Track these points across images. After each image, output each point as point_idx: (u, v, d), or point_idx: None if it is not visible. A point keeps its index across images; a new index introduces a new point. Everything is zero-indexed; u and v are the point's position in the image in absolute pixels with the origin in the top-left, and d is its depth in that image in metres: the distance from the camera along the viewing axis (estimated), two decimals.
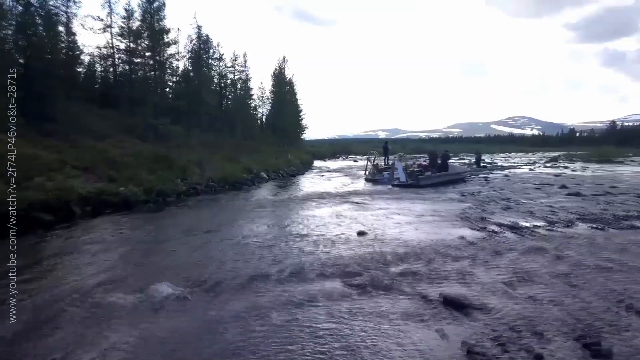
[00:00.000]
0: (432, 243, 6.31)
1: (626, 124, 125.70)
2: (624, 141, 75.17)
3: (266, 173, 18.46)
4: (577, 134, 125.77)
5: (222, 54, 27.35)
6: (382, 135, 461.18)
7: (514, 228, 7.31)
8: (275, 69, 35.84)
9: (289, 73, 37.63)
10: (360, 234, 6.99)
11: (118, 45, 18.12)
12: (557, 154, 53.60)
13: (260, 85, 37.26)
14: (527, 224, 7.59)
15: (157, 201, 10.85)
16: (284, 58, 36.72)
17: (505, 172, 20.66)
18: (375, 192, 13.38)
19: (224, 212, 9.59)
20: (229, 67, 28.92)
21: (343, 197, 12.25)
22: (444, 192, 13.35)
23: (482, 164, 23.11)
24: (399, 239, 6.59)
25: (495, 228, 7.35)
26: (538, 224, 7.63)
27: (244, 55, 31.27)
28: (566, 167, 23.25)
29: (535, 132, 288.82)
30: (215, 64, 26.30)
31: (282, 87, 35.87)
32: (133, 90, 17.44)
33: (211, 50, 25.54)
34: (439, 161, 16.11)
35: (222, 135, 23.35)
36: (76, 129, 13.15)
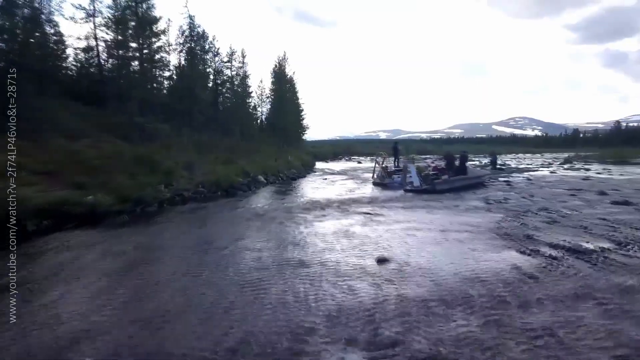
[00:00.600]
0: (478, 277, 4.70)
1: (629, 124, 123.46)
2: (627, 142, 73.25)
3: (264, 176, 16.87)
4: (581, 135, 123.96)
5: (218, 48, 25.80)
6: (383, 135, 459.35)
7: (577, 252, 5.68)
8: (275, 65, 34.11)
9: (289, 71, 36.01)
10: (380, 261, 5.37)
11: (103, 37, 16.62)
12: (566, 154, 51.94)
13: (260, 84, 35.67)
14: (591, 246, 5.96)
15: (134, 211, 9.25)
16: (284, 55, 35.13)
17: (525, 174, 19.02)
18: (386, 199, 11.77)
19: (207, 227, 7.96)
20: (226, 63, 27.29)
21: (350, 205, 10.65)
22: (465, 198, 11.74)
23: (497, 166, 21.46)
24: (433, 270, 4.98)
25: (552, 252, 5.74)
26: (604, 245, 6.00)
27: (242, 51, 29.73)
28: (587, 170, 21.60)
29: (537, 132, 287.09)
30: (210, 58, 24.70)
31: (283, 84, 34.16)
32: (117, 86, 15.83)
33: (206, 45, 23.96)
34: (457, 163, 14.48)
35: (218, 135, 21.75)
36: (47, 128, 11.55)
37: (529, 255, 5.68)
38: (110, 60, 17.03)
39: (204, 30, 25.78)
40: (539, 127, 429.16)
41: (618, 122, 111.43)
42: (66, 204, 7.98)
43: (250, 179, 15.36)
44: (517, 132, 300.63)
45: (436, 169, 14.90)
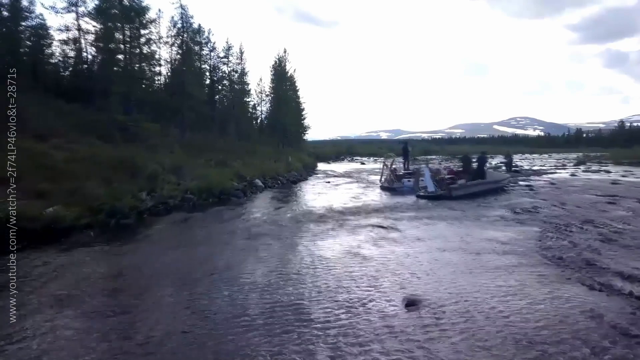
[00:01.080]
0: (546, 333, 3.39)
1: (632, 124, 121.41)
2: (632, 141, 71.40)
3: (262, 180, 15.48)
4: (584, 135, 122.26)
5: (214, 43, 24.40)
6: (384, 135, 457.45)
7: None
8: (275, 61, 32.52)
9: (290, 68, 34.42)
10: (409, 305, 4.00)
11: (87, 29, 15.21)
12: (574, 155, 50.48)
13: (260, 82, 34.05)
14: None
15: (106, 225, 7.88)
16: (284, 51, 33.54)
17: (545, 177, 17.61)
18: (399, 208, 10.39)
19: (186, 248, 6.56)
20: (222, 58, 25.79)
21: (358, 215, 9.29)
22: (488, 206, 10.38)
23: (513, 168, 19.98)
24: (480, 321, 3.63)
25: (632, 287, 4.39)
26: None
27: (240, 46, 28.26)
28: (608, 172, 20.19)
29: (538, 132, 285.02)
30: (206, 53, 23.27)
31: (283, 81, 32.64)
32: (101, 81, 14.38)
33: (201, 40, 22.56)
34: (474, 166, 13.07)
35: (212, 135, 20.38)
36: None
37: (601, 292, 4.33)
38: (94, 53, 15.66)
39: (199, 25, 24.49)
40: (541, 127, 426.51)
41: (622, 121, 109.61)
42: (18, 217, 6.60)
43: (247, 184, 13.98)
44: (519, 132, 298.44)
45: (452, 172, 13.50)
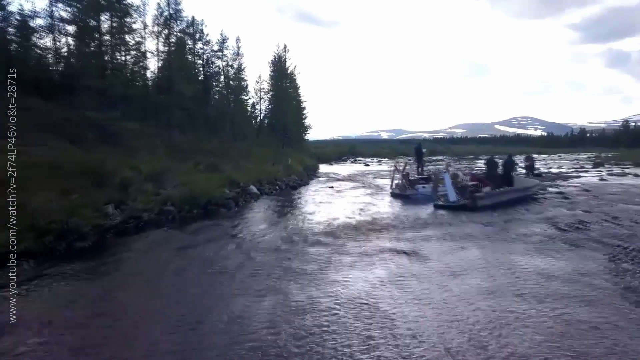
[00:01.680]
0: None
1: (634, 124, 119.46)
2: (637, 142, 69.60)
3: (258, 186, 13.83)
4: (588, 135, 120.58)
5: (207, 35, 22.73)
6: (385, 135, 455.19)
7: None
8: (275, 57, 30.68)
9: (290, 64, 32.55)
10: None
11: (61, 16, 13.56)
12: (584, 155, 48.87)
13: (259, 80, 32.08)
14: None
15: (55, 250, 6.25)
16: (284, 47, 31.76)
17: (573, 182, 15.89)
18: (416, 222, 8.75)
19: (144, 292, 4.93)
20: (216, 52, 24.06)
21: (369, 234, 7.66)
22: (522, 220, 8.77)
23: (536, 172, 18.20)
24: None
25: None
26: None
27: (237, 39, 26.42)
28: (638, 176, 18.47)
29: (540, 132, 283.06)
30: (199, 47, 21.59)
31: (282, 78, 30.84)
32: (76, 73, 12.69)
33: (195, 33, 20.89)
34: (500, 171, 11.40)
35: (204, 136, 18.72)
36: None
37: None
38: (71, 43, 13.98)
39: (193, 17, 22.83)
40: (542, 127, 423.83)
41: (626, 121, 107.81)
42: None
43: (239, 191, 12.33)
44: (520, 131, 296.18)
45: (474, 178, 11.81)
